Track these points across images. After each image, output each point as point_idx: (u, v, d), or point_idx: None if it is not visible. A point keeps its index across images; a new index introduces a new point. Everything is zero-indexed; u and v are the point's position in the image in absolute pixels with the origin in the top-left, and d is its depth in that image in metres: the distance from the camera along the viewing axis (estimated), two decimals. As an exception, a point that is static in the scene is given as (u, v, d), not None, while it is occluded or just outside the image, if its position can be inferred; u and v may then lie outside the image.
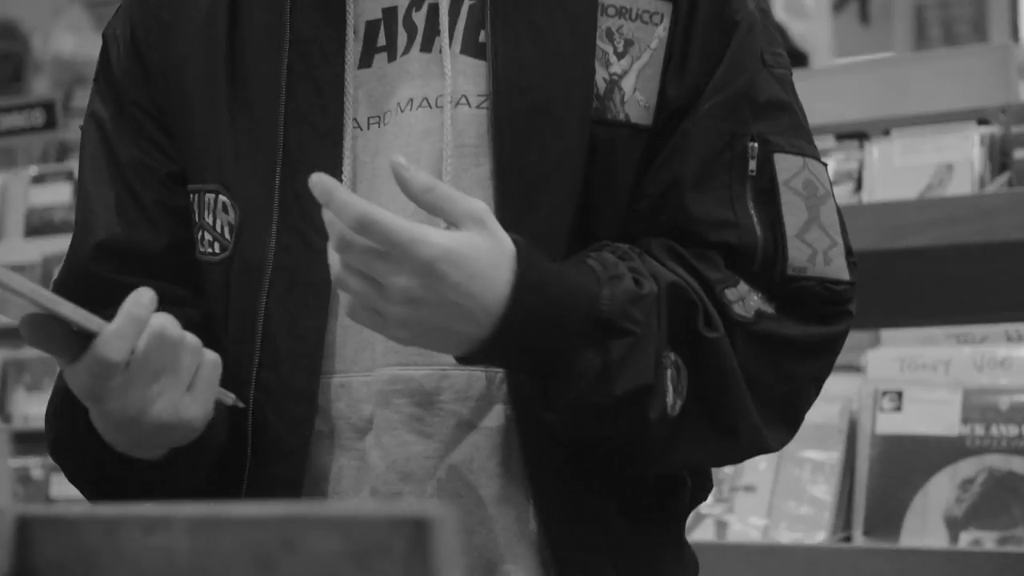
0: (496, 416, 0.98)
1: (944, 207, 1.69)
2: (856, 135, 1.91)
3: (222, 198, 1.01)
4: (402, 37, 1.01)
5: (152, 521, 0.54)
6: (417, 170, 0.87)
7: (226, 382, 0.95)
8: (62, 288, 1.03)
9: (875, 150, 1.88)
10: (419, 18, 1.01)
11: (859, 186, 1.87)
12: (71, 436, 0.99)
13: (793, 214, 1.00)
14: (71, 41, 6.41)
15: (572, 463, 0.99)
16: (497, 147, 0.98)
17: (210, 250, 1.03)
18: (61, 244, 3.36)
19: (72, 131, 4.27)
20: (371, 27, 1.02)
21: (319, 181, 0.84)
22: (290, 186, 0.99)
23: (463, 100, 0.99)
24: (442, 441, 0.97)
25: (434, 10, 1.00)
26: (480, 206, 0.88)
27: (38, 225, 3.47)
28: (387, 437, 0.97)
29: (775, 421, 0.99)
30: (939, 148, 1.83)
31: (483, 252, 0.86)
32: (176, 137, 1.05)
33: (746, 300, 0.97)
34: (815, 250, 1.00)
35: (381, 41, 1.01)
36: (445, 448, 0.97)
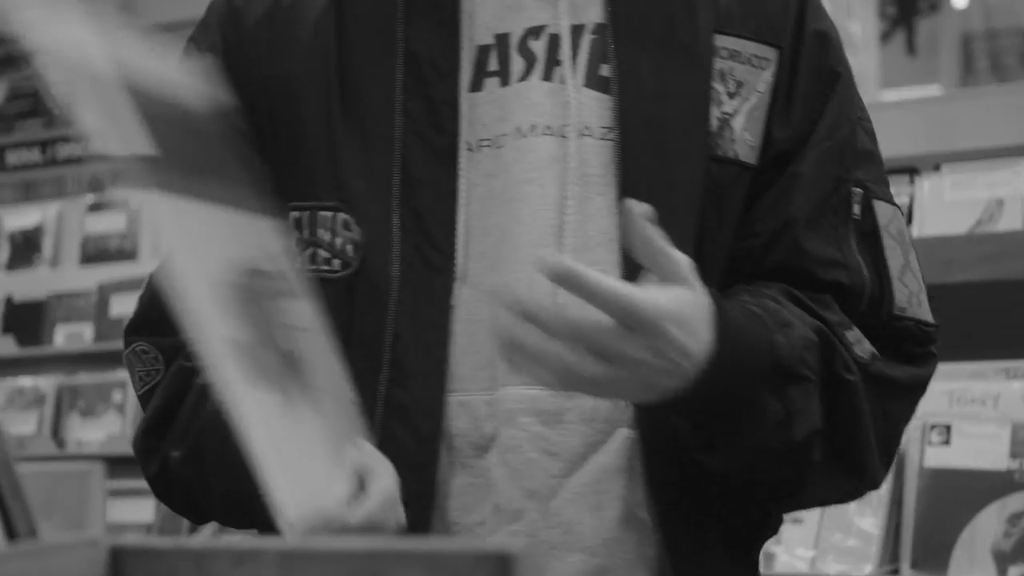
0: (620, 438, 0.99)
1: (994, 242, 1.69)
2: (907, 170, 1.91)
3: (343, 216, 1.01)
4: (517, 63, 1.02)
5: (242, 554, 0.55)
6: (643, 222, 0.86)
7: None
8: (157, 299, 1.01)
9: (926, 185, 1.88)
10: (537, 47, 1.02)
11: (909, 220, 1.87)
12: (212, 491, 1.00)
13: (893, 257, 1.04)
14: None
15: (693, 489, 1.00)
16: (622, 178, 1.00)
17: (326, 267, 1.02)
18: (116, 272, 3.45)
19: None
20: (482, 51, 1.03)
21: (556, 264, 0.84)
22: (408, 204, 1.00)
23: (586, 131, 1.01)
24: (568, 460, 0.98)
25: (555, 40, 1.02)
26: (687, 261, 0.87)
27: (93, 253, 3.52)
28: (512, 455, 0.98)
29: (881, 459, 1.03)
30: (989, 183, 1.83)
31: (696, 309, 0.88)
32: (273, 155, 1.03)
33: (862, 342, 1.00)
34: (911, 292, 1.04)
35: (493, 66, 1.02)
36: (570, 467, 0.98)
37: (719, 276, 1.00)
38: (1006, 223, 1.83)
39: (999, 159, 1.89)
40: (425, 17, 1.02)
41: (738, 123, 1.03)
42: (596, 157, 1.00)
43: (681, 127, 1.02)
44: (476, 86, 1.02)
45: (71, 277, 3.47)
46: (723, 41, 1.03)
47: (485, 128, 1.01)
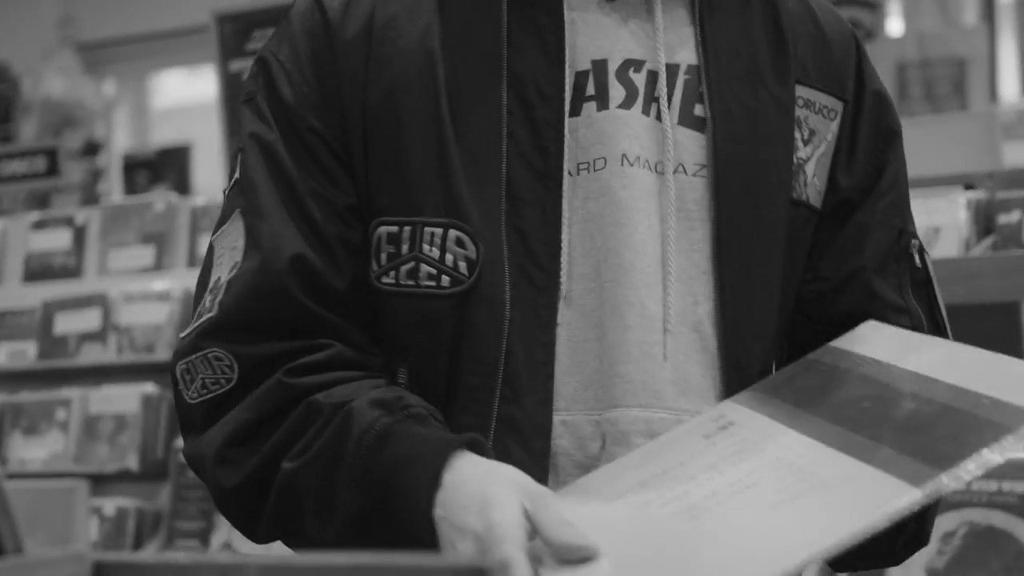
0: None
1: (931, 269, 1.74)
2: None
3: (455, 232, 1.02)
4: (616, 90, 1.05)
5: (225, 569, 0.57)
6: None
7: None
8: (249, 303, 1.01)
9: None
10: (637, 79, 1.06)
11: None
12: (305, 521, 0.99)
13: (942, 304, 1.13)
14: (60, 84, 6.45)
15: None
16: (716, 214, 1.05)
17: (432, 283, 1.02)
18: (60, 289, 3.42)
19: (65, 176, 4.30)
20: (580, 76, 1.05)
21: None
22: (513, 223, 1.02)
23: (681, 168, 1.05)
24: None
25: (652, 76, 1.06)
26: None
27: (37, 270, 3.48)
28: None
29: None
30: (927, 212, 1.89)
31: None
32: (363, 169, 1.04)
33: None
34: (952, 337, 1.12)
35: (590, 90, 1.05)
36: None
37: (789, 310, 1.09)
38: (942, 250, 1.88)
39: (934, 188, 1.95)
40: (529, 40, 1.04)
41: (810, 169, 1.10)
42: (691, 193, 1.05)
43: (769, 169, 1.08)
44: (575, 111, 1.05)
45: (14, 295, 3.44)
46: (800, 90, 1.10)
47: (584, 152, 1.04)
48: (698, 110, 1.07)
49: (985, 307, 1.36)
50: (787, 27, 1.11)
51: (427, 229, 1.02)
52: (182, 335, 1.07)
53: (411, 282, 1.03)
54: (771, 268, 1.07)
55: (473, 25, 1.05)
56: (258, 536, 1.06)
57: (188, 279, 2.92)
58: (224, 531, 2.45)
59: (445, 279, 1.02)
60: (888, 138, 1.13)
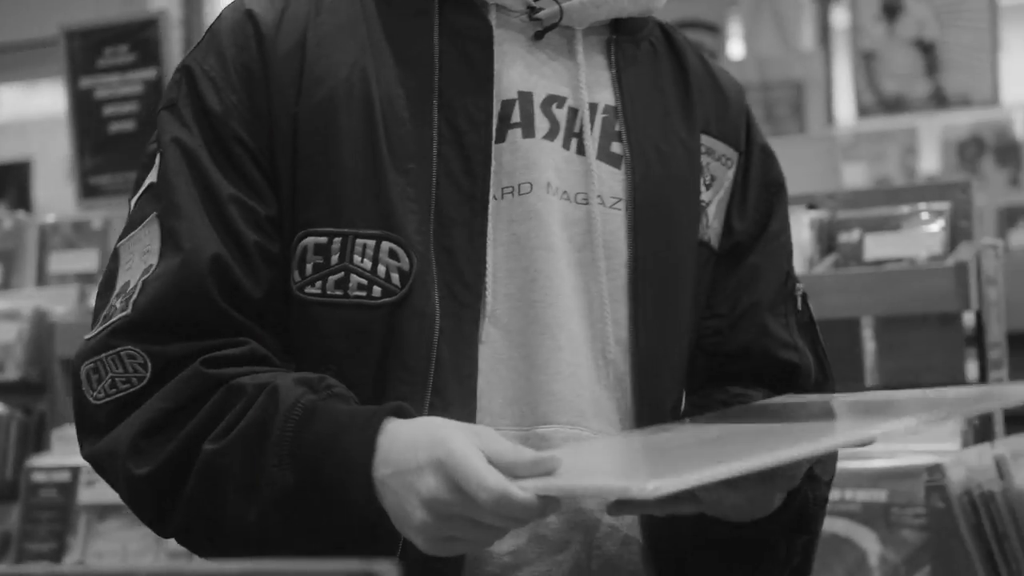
0: None
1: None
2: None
3: (389, 244, 1.05)
4: (541, 121, 1.11)
5: None
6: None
7: None
8: (166, 303, 1.02)
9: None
10: (559, 114, 1.12)
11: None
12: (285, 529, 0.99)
13: (824, 344, 1.23)
14: None
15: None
16: (633, 247, 1.12)
17: (362, 293, 1.05)
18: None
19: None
20: (506, 104, 1.10)
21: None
22: (441, 242, 1.06)
23: (599, 199, 1.11)
24: None
25: (574, 113, 1.12)
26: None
27: None
28: None
29: None
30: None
31: None
32: (303, 181, 1.07)
33: None
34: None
35: (516, 118, 1.10)
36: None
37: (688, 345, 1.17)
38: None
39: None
40: (459, 68, 1.09)
41: (711, 212, 1.18)
42: (608, 225, 1.12)
43: (681, 209, 1.16)
44: (500, 137, 1.09)
45: None
46: (704, 139, 1.19)
47: (508, 176, 1.09)
48: (615, 148, 1.13)
49: (828, 322, 1.43)
50: (692, 81, 1.20)
51: (359, 240, 1.05)
52: (87, 337, 1.06)
53: (339, 292, 1.05)
54: (681, 302, 1.14)
55: (406, 50, 1.09)
56: (168, 528, 1.06)
57: (37, 298, 2.88)
58: (77, 551, 2.39)
59: (376, 290, 1.05)
60: (775, 189, 1.23)
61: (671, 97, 1.18)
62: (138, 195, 1.10)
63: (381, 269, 1.05)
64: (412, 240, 1.05)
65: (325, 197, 1.06)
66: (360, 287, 1.05)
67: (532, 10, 1.11)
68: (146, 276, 1.04)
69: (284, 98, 1.07)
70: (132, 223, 1.09)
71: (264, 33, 1.08)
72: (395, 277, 1.05)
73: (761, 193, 1.21)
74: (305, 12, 1.10)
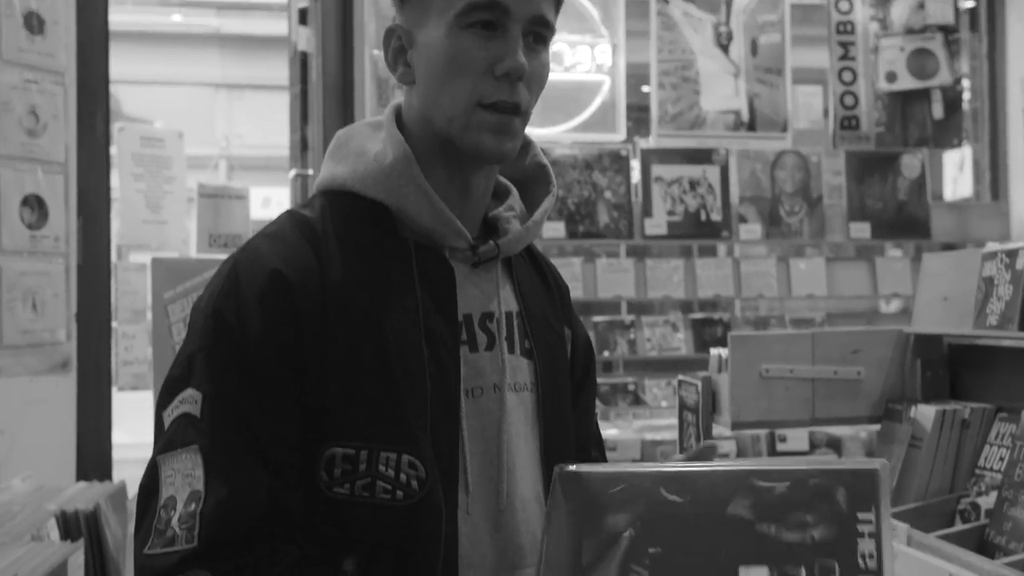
0: None
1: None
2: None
3: (408, 457, 1.29)
4: (481, 337, 1.41)
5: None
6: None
7: None
8: (224, 534, 1.22)
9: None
10: (492, 327, 1.43)
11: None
12: None
13: None
14: None
15: None
16: (543, 421, 1.46)
17: (387, 496, 1.28)
18: None
19: None
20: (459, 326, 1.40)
21: None
22: (436, 448, 1.32)
23: (521, 386, 1.45)
24: None
25: (498, 323, 1.44)
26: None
27: None
28: None
29: None
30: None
31: None
32: (331, 405, 1.28)
33: None
34: None
35: (464, 336, 1.39)
36: None
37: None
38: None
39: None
40: (434, 304, 1.37)
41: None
42: (530, 405, 1.46)
43: (566, 386, 1.53)
44: None
45: None
46: (565, 330, 1.59)
47: (466, 380, 1.38)
48: (526, 343, 1.46)
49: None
50: (551, 282, 1.58)
51: (383, 454, 1.29)
52: (148, 552, 1.24)
53: (367, 494, 1.28)
54: (570, 456, 1.49)
55: (400, 295, 1.35)
56: None
57: None
58: None
59: (399, 493, 1.28)
60: (589, 358, 1.64)
61: (544, 298, 1.54)
62: (175, 416, 1.27)
63: (403, 477, 1.29)
64: (425, 453, 1.30)
65: (353, 418, 1.28)
66: (385, 491, 1.28)
67: (473, 248, 1.42)
68: (200, 508, 1.22)
69: (313, 339, 1.28)
70: (171, 443, 1.27)
71: (293, 286, 1.29)
72: (414, 483, 1.29)
73: (584, 358, 1.61)
74: (315, 264, 1.32)
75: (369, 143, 1.43)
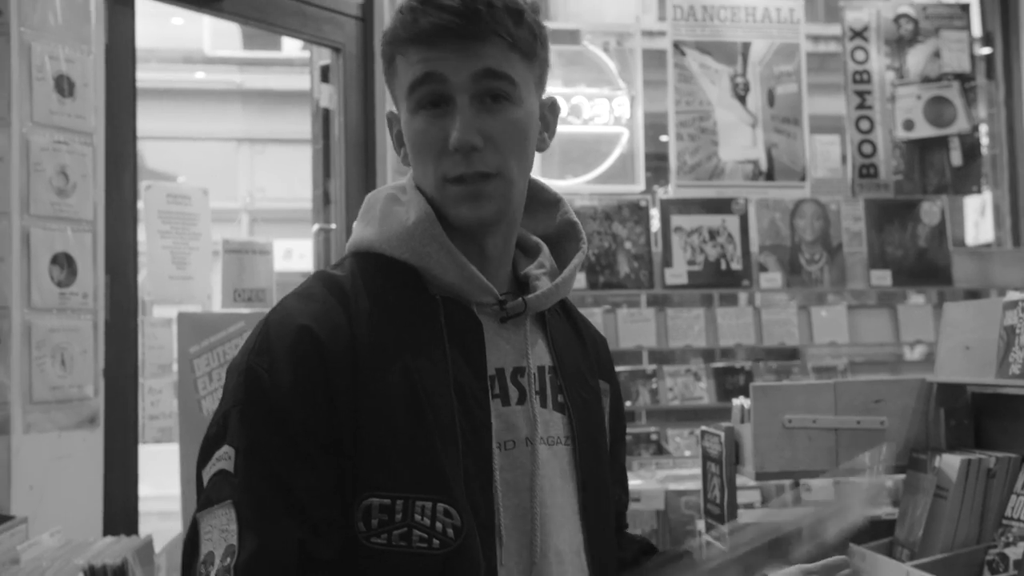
0: None
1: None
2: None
3: (443, 505, 1.31)
4: (513, 391, 1.43)
5: None
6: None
7: None
8: None
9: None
10: (523, 382, 1.44)
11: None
12: None
13: None
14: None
15: None
16: (580, 471, 1.47)
17: (424, 545, 1.29)
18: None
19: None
20: (488, 380, 1.41)
21: None
22: (470, 497, 1.33)
23: (559, 440, 1.46)
24: None
25: (531, 377, 1.45)
26: None
27: None
28: None
29: None
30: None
31: None
32: (366, 457, 1.31)
33: None
34: None
35: (496, 390, 1.41)
36: None
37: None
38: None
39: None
40: (462, 359, 1.38)
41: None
42: (565, 458, 1.47)
43: (602, 441, 1.55)
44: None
45: None
46: (600, 383, 1.59)
47: (499, 434, 1.39)
48: (560, 398, 1.47)
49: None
50: (584, 336, 1.59)
51: (419, 503, 1.30)
52: None
53: (403, 543, 1.30)
54: (610, 509, 1.54)
55: (429, 349, 1.37)
56: None
57: None
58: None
59: (435, 542, 1.30)
60: (620, 414, 1.65)
61: (579, 352, 1.55)
62: (212, 473, 1.30)
63: (439, 526, 1.30)
64: (460, 501, 1.31)
65: (388, 469, 1.30)
66: (421, 540, 1.29)
67: (501, 303, 1.44)
68: (234, 562, 1.24)
69: (345, 393, 1.31)
70: (209, 499, 1.30)
71: (322, 341, 1.32)
72: (450, 532, 1.30)
73: (617, 413, 1.62)
74: (344, 321, 1.34)
75: (394, 205, 1.47)
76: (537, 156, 1.52)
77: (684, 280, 4.88)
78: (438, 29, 1.33)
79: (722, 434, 2.39)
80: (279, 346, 1.32)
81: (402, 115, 1.43)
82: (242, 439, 1.29)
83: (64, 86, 3.23)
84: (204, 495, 1.31)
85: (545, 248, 1.58)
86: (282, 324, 1.35)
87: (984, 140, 5.56)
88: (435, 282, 1.42)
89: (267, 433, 1.29)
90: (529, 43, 1.40)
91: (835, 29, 5.38)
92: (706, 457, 2.51)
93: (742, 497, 2.52)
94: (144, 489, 3.62)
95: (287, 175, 13.11)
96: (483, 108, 1.36)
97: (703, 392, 4.94)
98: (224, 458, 1.30)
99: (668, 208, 4.92)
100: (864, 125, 5.14)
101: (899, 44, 5.19)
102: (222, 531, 1.27)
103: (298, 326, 1.33)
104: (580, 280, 4.82)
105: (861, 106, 5.15)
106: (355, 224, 1.52)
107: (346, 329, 1.34)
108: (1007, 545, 1.95)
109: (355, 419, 1.31)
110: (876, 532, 2.20)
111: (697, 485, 3.06)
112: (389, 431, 1.32)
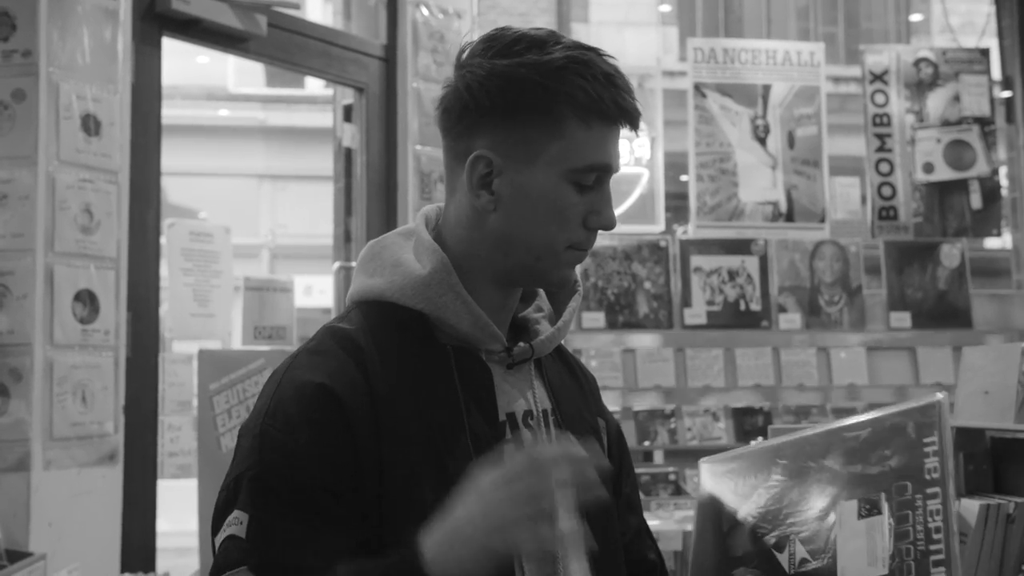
0: None
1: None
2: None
3: None
4: (526, 434, 1.44)
5: None
6: None
7: None
8: None
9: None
10: (533, 424, 1.47)
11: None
12: None
13: None
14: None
15: None
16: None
17: None
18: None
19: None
20: (499, 425, 1.43)
21: None
22: None
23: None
24: None
25: (537, 419, 1.47)
26: None
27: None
28: None
29: None
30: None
31: None
32: (390, 508, 1.31)
33: None
34: None
35: (507, 434, 1.42)
36: None
37: None
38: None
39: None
40: (475, 406, 1.40)
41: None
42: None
43: (602, 475, 1.46)
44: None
45: None
46: (599, 421, 1.60)
47: None
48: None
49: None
50: (580, 377, 1.62)
51: None
52: None
53: None
54: (616, 542, 1.53)
55: (444, 398, 1.39)
56: None
57: None
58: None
59: None
60: (623, 448, 1.66)
61: (576, 392, 1.58)
62: (223, 539, 1.29)
63: None
64: None
65: (412, 523, 1.26)
66: None
67: (508, 350, 1.46)
68: None
69: (369, 447, 1.31)
70: (218, 566, 1.28)
71: (341, 399, 1.32)
72: None
73: (620, 449, 1.64)
74: (360, 377, 1.35)
75: (403, 253, 1.47)
76: None
77: (703, 320, 4.88)
78: (633, 116, 1.39)
79: (740, 477, 2.38)
80: (295, 408, 1.32)
81: (535, 172, 1.38)
82: (253, 507, 1.28)
83: (91, 125, 3.27)
84: (216, 562, 1.29)
85: (542, 292, 1.59)
86: (297, 384, 1.34)
87: (1004, 183, 5.56)
88: (447, 331, 1.43)
89: (281, 499, 1.28)
90: None
91: (855, 70, 5.42)
92: (724, 500, 2.50)
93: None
94: (162, 525, 3.63)
95: (308, 212, 13.19)
96: None
97: (722, 432, 4.93)
98: (235, 523, 1.28)
99: (688, 248, 4.93)
100: (884, 168, 5.15)
101: (919, 88, 5.21)
102: None
103: (315, 385, 1.32)
104: (599, 319, 4.82)
105: (881, 148, 5.17)
106: (356, 274, 1.52)
107: (363, 384, 1.34)
108: (1027, 592, 1.94)
109: (378, 474, 1.31)
110: (895, 578, 2.19)
111: (715, 527, 3.04)
112: (412, 484, 1.31)
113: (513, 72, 1.35)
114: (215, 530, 1.31)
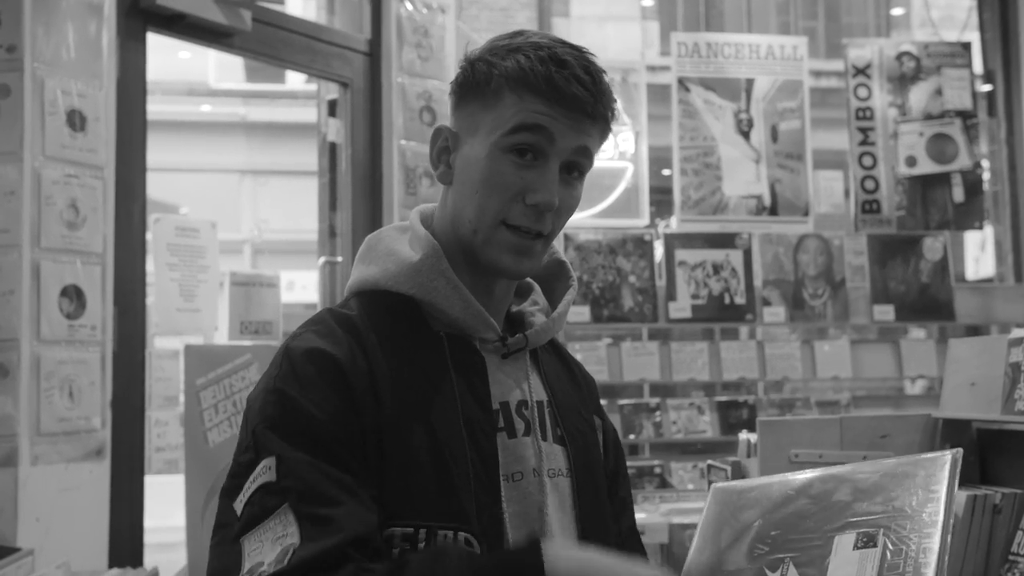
0: None
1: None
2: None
3: (464, 534, 1.33)
4: (519, 423, 1.46)
5: None
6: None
7: None
8: (317, 564, 1.22)
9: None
10: (526, 414, 1.48)
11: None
12: None
13: None
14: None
15: None
16: (579, 505, 1.50)
17: None
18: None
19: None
20: (494, 413, 1.44)
21: None
22: (481, 524, 1.36)
23: (559, 472, 1.48)
24: None
25: (531, 410, 1.49)
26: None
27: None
28: None
29: None
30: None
31: None
32: (387, 484, 1.32)
33: None
34: None
35: (501, 423, 1.44)
36: None
37: None
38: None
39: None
40: (469, 396, 1.42)
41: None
42: (565, 490, 1.49)
43: (600, 472, 1.58)
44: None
45: None
46: (595, 420, 1.63)
47: (505, 466, 1.42)
48: (558, 431, 1.51)
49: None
50: (575, 373, 1.64)
51: (440, 531, 1.33)
52: None
53: None
54: (609, 541, 1.52)
55: (438, 383, 1.41)
56: None
57: None
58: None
59: None
60: (616, 439, 1.67)
61: (571, 388, 1.60)
62: (250, 493, 1.29)
63: None
64: (478, 531, 1.34)
65: (409, 499, 1.32)
66: None
67: (503, 339, 1.49)
68: (292, 556, 1.22)
69: (369, 411, 1.33)
70: (253, 517, 1.27)
71: (347, 371, 1.34)
72: None
73: (613, 444, 1.65)
74: (360, 355, 1.37)
75: (397, 244, 1.50)
76: None
77: (688, 314, 4.90)
78: (569, 97, 1.37)
79: (728, 468, 2.39)
80: (308, 370, 1.33)
81: (474, 143, 1.42)
82: (280, 447, 1.28)
83: (76, 120, 3.26)
84: (243, 519, 1.28)
85: (537, 287, 1.62)
86: (304, 350, 1.36)
87: (986, 176, 5.59)
88: (439, 317, 1.45)
89: (301, 439, 1.29)
90: (610, 130, 1.47)
91: (837, 64, 5.44)
92: (712, 492, 2.51)
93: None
94: (148, 520, 3.63)
95: (290, 207, 13.16)
96: (563, 180, 1.42)
97: (707, 425, 4.95)
98: (264, 472, 1.28)
99: (672, 242, 4.95)
100: (867, 161, 5.18)
101: (901, 81, 5.24)
102: (276, 539, 1.25)
103: (321, 351, 1.35)
104: (584, 314, 4.83)
105: (864, 142, 5.19)
106: (355, 266, 1.54)
107: (363, 362, 1.36)
108: (1013, 581, 1.96)
109: (378, 449, 1.33)
110: (882, 567, 2.20)
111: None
112: (409, 461, 1.33)
113: (477, 56, 1.43)
114: (233, 496, 1.31)
